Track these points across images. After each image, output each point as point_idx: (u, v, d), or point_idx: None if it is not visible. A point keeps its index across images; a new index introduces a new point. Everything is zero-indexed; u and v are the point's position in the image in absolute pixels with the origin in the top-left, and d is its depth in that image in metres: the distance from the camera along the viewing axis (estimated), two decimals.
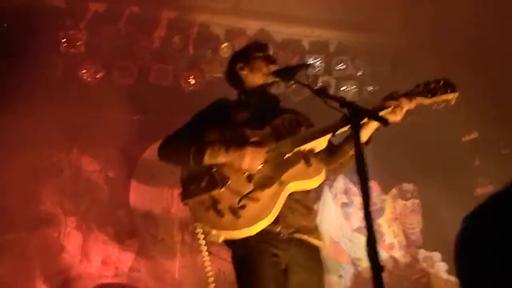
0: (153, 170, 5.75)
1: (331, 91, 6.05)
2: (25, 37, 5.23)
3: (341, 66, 6.13)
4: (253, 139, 2.65)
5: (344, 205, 6.44)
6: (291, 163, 2.58)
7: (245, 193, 2.51)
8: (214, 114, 2.81)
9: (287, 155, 2.59)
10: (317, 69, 6.11)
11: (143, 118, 5.80)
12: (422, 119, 5.49)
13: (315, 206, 2.87)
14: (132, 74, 5.70)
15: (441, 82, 2.62)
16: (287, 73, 2.68)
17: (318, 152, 2.66)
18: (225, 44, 5.87)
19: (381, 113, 2.55)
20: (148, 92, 5.73)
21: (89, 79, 5.64)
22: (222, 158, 2.56)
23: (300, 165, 2.57)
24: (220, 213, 2.49)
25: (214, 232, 2.49)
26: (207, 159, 2.58)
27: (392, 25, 5.96)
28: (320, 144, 2.62)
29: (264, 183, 2.53)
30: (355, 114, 1.99)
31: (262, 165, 2.56)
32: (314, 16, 5.99)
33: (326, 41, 6.19)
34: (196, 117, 2.85)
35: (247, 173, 2.56)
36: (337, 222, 6.34)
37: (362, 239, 6.51)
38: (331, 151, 2.77)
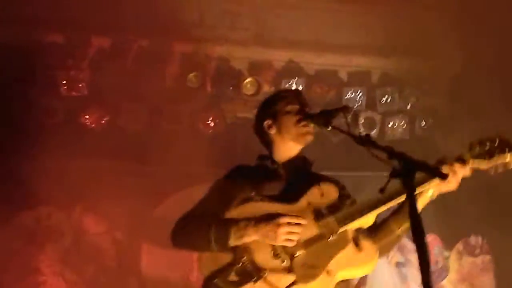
0: (168, 230, 5.52)
1: (376, 129, 5.92)
2: (20, 79, 5.27)
3: (386, 99, 6.01)
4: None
5: (399, 264, 6.17)
6: (337, 247, 2.50)
7: (285, 286, 2.42)
8: (234, 185, 2.73)
9: (331, 237, 2.49)
10: (357, 104, 5.98)
11: (155, 169, 5.67)
12: None
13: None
14: (142, 117, 5.66)
15: (497, 141, 2.59)
16: (323, 118, 2.62)
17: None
18: (248, 80, 5.80)
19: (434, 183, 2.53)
20: (161, 138, 5.64)
21: (93, 125, 5.62)
22: (250, 235, 2.49)
23: (349, 249, 2.51)
24: None
25: None
26: (233, 240, 2.49)
27: (444, 48, 5.81)
28: (368, 220, 2.56)
29: (307, 273, 2.43)
30: (408, 168, 1.93)
31: (301, 249, 2.49)
32: (351, 42, 5.91)
33: (367, 70, 6.11)
34: (212, 191, 2.79)
35: (285, 262, 2.47)
36: (392, 285, 6.09)
37: None
38: (371, 229, 2.65)
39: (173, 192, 5.68)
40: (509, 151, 2.55)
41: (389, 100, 5.99)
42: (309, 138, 2.75)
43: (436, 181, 2.48)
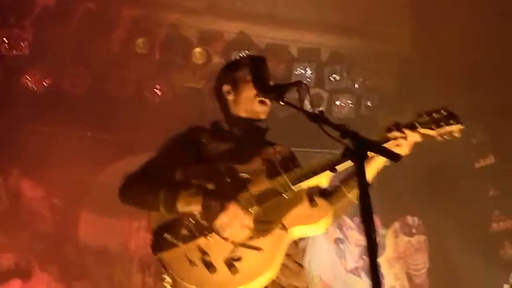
0: (108, 197, 5.58)
1: (323, 106, 6.05)
2: None
3: (335, 76, 6.13)
4: (241, 174, 2.57)
5: (337, 241, 6.36)
6: (292, 203, 2.51)
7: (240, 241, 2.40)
8: (187, 145, 2.71)
9: (285, 194, 2.52)
10: (306, 80, 6.02)
11: (98, 135, 5.69)
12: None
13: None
14: (86, 82, 5.61)
15: (443, 111, 2.71)
16: (275, 92, 2.61)
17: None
18: (198, 49, 5.84)
19: (385, 146, 2.58)
20: (104, 104, 5.63)
21: (34, 87, 5.56)
22: (197, 205, 2.42)
23: (304, 206, 2.53)
24: (211, 268, 2.35)
25: None
26: (181, 206, 2.44)
27: (396, 31, 6.06)
28: (321, 181, 2.58)
29: (262, 228, 2.42)
30: (360, 147, 1.94)
31: (255, 205, 2.47)
32: (304, 18, 6.02)
33: (318, 47, 6.20)
34: (165, 149, 2.75)
35: None
36: (329, 261, 6.26)
37: (358, 282, 6.53)
38: (324, 194, 2.71)
39: (116, 160, 5.69)
40: (454, 123, 2.67)
41: (337, 78, 6.12)
42: (262, 116, 2.77)
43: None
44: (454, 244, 5.97)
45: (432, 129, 2.68)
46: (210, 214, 2.42)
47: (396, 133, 2.61)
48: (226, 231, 2.39)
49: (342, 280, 6.25)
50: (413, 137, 2.63)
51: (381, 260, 6.44)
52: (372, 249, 1.73)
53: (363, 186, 1.84)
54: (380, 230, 6.52)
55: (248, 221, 2.41)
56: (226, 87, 2.87)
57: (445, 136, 2.70)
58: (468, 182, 6.15)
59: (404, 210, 6.64)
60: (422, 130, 2.66)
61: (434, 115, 2.69)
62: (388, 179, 2.81)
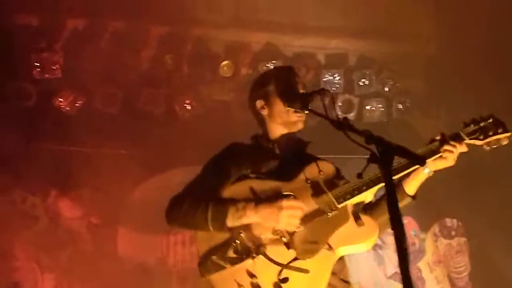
0: (144, 213, 5.64)
1: (354, 111, 6.02)
2: None
3: (364, 81, 6.10)
4: (285, 193, 2.56)
5: (376, 247, 6.23)
6: (337, 223, 2.50)
7: (286, 262, 2.41)
8: (230, 163, 2.71)
9: (331, 213, 2.51)
10: (335, 87, 6.06)
11: (131, 152, 5.70)
12: None
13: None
14: (117, 100, 5.65)
15: (490, 120, 2.71)
16: (300, 101, 2.64)
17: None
18: (225, 62, 5.85)
19: (430, 160, 2.60)
20: (137, 121, 5.66)
21: (67, 108, 5.60)
22: (249, 217, 2.45)
23: (350, 225, 2.50)
24: None
25: None
26: (230, 221, 2.46)
27: (420, 31, 5.99)
28: (366, 197, 2.58)
29: (307, 249, 2.43)
30: (385, 152, 1.93)
31: (300, 225, 2.48)
32: (329, 25, 5.99)
33: (345, 53, 6.18)
34: (208, 169, 2.76)
35: (285, 238, 2.46)
36: (368, 267, 6.23)
37: None
38: (370, 207, 2.71)
39: (150, 176, 5.74)
40: (502, 132, 2.68)
41: (366, 82, 6.09)
42: (300, 126, 2.76)
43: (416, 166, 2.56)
44: (495, 245, 5.85)
45: (480, 139, 2.68)
46: (266, 220, 2.44)
47: (445, 147, 2.60)
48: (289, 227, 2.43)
49: (382, 286, 6.21)
50: (460, 149, 2.63)
51: (422, 264, 6.39)
52: (402, 257, 1.72)
53: (391, 192, 1.84)
54: (419, 234, 6.45)
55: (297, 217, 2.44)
56: (259, 103, 2.87)
57: (493, 146, 2.71)
58: (508, 180, 6.02)
59: (443, 213, 6.53)
60: (470, 141, 2.67)
61: (482, 124, 2.70)
62: (425, 182, 2.77)
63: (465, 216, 6.46)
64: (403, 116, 6.18)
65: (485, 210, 6.00)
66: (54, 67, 5.49)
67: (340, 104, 6.07)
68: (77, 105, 5.62)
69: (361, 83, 6.13)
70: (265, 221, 2.44)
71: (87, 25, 5.56)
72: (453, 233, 6.54)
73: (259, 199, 2.50)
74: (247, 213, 2.45)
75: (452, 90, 5.81)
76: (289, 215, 2.42)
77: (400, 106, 6.21)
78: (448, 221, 6.57)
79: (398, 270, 5.70)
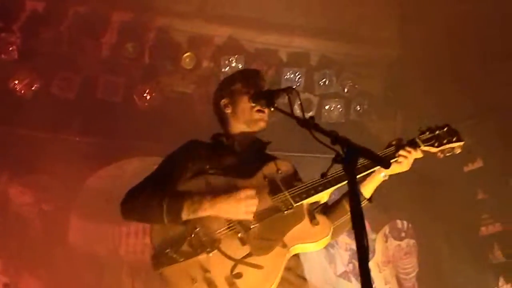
0: (97, 202, 5.58)
1: (313, 111, 6.06)
2: None
3: (324, 81, 6.14)
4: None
5: (327, 245, 6.34)
6: (292, 221, 2.53)
7: (240, 257, 2.43)
8: (188, 158, 2.72)
9: (287, 211, 2.53)
10: (295, 85, 6.03)
11: (87, 140, 5.66)
12: None
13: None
14: (75, 86, 5.57)
15: (445, 128, 2.81)
16: (266, 98, 2.65)
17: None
18: (187, 54, 5.82)
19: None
20: (94, 109, 5.61)
21: (22, 91, 5.50)
22: (206, 210, 2.46)
23: (305, 224, 2.54)
24: (211, 285, 2.37)
25: None
26: (186, 214, 2.46)
27: (383, 35, 6.08)
28: (322, 197, 2.62)
29: (262, 245, 2.45)
30: (351, 153, 1.93)
31: (256, 222, 2.50)
32: (293, 23, 6.00)
33: (307, 52, 6.22)
34: (165, 163, 2.77)
35: (240, 233, 2.47)
36: (319, 266, 6.24)
37: (348, 286, 6.53)
38: (326, 209, 2.76)
39: (104, 164, 5.68)
40: (456, 141, 2.78)
41: (327, 82, 6.14)
42: (262, 125, 2.78)
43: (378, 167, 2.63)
44: (443, 248, 6.00)
45: (435, 146, 2.77)
46: (225, 211, 2.45)
47: (400, 152, 2.68)
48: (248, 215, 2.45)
49: (332, 284, 6.23)
50: (415, 155, 2.71)
51: (371, 264, 6.25)
52: (362, 256, 1.73)
53: (354, 193, 1.85)
54: (370, 234, 6.48)
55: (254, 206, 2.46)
56: (224, 101, 2.88)
57: (446, 154, 2.81)
58: (456, 185, 6.19)
59: (394, 214, 6.64)
60: (425, 148, 2.76)
61: (437, 132, 2.79)
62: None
63: (415, 219, 6.58)
64: (361, 118, 6.25)
65: (434, 213, 6.11)
66: (11, 48, 5.38)
67: (299, 102, 6.09)
68: (33, 88, 5.53)
69: (321, 83, 6.17)
70: (221, 213, 2.46)
71: (47, 7, 5.46)
72: (403, 234, 6.63)
73: (215, 194, 2.50)
74: (203, 206, 2.45)
75: (411, 95, 5.91)
76: (246, 204, 2.45)
77: (358, 108, 6.27)
78: (399, 223, 6.67)
79: (347, 268, 5.83)
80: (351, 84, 6.22)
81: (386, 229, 6.66)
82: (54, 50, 5.47)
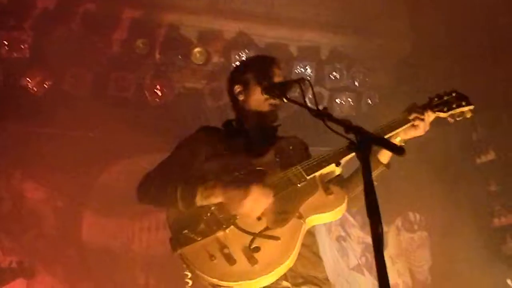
0: (110, 198, 5.61)
1: (324, 105, 6.00)
2: None
3: (335, 75, 6.14)
4: (258, 168, 2.61)
5: (339, 238, 6.37)
6: (307, 193, 2.54)
7: (257, 232, 2.43)
8: (201, 142, 2.74)
9: (300, 184, 2.54)
10: (306, 79, 6.06)
11: (100, 136, 5.65)
12: (431, 136, 5.51)
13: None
14: (87, 83, 5.60)
15: (453, 94, 2.80)
16: (279, 89, 2.65)
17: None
18: (198, 49, 5.81)
19: (403, 128, 2.71)
20: (106, 105, 5.59)
21: (35, 89, 5.53)
22: (218, 196, 2.45)
23: (319, 195, 2.55)
24: (230, 260, 2.36)
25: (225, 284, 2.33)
26: (199, 200, 2.46)
27: (395, 28, 6.03)
28: (336, 169, 2.62)
29: (278, 218, 2.45)
30: (364, 141, 1.93)
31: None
32: (303, 18, 6.00)
33: (317, 46, 6.20)
34: (180, 147, 2.79)
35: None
36: (332, 259, 6.26)
37: (361, 279, 6.53)
38: (342, 182, 2.75)
39: (117, 160, 5.72)
40: (466, 105, 2.78)
41: (337, 76, 6.13)
42: (273, 117, 2.79)
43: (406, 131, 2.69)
44: (455, 239, 5.96)
45: (444, 111, 2.76)
46: (232, 202, 2.42)
47: (414, 114, 2.70)
48: (252, 213, 2.43)
49: (345, 277, 6.24)
50: (430, 117, 2.73)
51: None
52: (378, 244, 1.73)
53: (368, 180, 1.84)
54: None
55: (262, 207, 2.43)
56: (237, 88, 2.88)
57: (457, 118, 2.80)
58: (469, 178, 6.18)
59: (406, 207, 6.63)
60: (435, 114, 2.76)
61: (445, 97, 2.78)
62: (389, 175, 2.81)
63: (427, 211, 6.58)
64: (372, 111, 6.21)
65: (446, 205, 6.09)
66: (23, 46, 5.40)
67: (310, 96, 6.09)
68: (45, 86, 5.55)
69: (332, 77, 6.17)
70: (230, 203, 2.44)
71: (58, 5, 5.47)
72: (415, 227, 6.64)
73: (229, 180, 2.49)
74: (215, 192, 2.45)
75: (422, 88, 5.88)
76: (254, 200, 2.41)
77: (369, 101, 6.27)
78: (411, 215, 6.67)
79: (360, 261, 5.81)
80: (362, 77, 6.20)
81: (399, 221, 6.67)
82: (65, 47, 5.46)
